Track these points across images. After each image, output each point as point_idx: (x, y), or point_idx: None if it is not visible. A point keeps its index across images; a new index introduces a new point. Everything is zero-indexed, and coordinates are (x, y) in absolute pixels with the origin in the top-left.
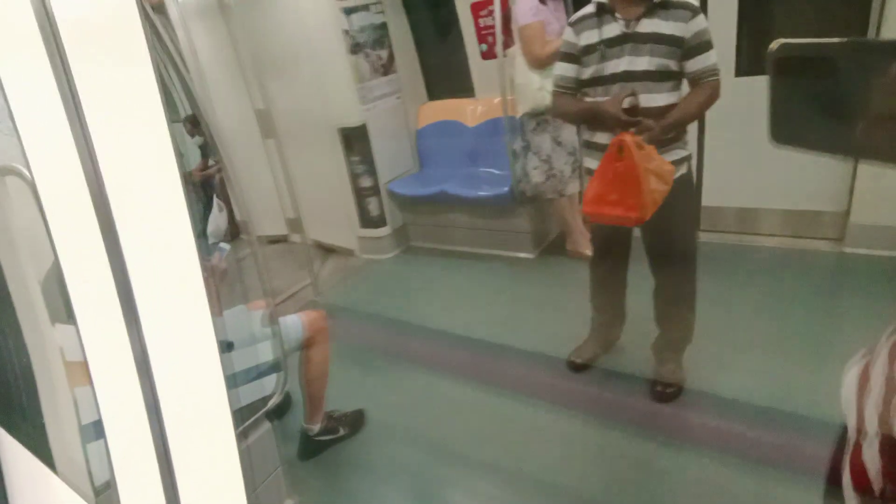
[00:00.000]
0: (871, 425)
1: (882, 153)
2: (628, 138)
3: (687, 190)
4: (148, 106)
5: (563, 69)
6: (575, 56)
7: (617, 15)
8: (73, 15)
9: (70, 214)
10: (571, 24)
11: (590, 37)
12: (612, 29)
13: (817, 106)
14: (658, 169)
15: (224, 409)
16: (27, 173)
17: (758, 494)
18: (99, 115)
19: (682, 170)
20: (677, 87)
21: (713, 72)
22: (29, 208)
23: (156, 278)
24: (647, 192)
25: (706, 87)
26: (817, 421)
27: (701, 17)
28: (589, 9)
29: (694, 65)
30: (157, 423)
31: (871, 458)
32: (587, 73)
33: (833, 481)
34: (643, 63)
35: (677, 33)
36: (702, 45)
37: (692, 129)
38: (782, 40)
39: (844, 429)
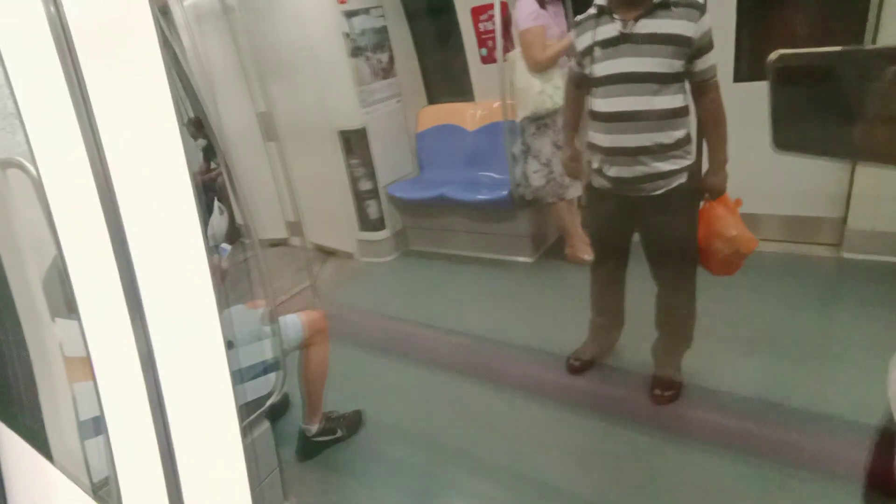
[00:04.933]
0: None
1: (881, 156)
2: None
3: (687, 197)
4: (157, 105)
5: (572, 64)
6: (577, 57)
7: (615, 16)
8: (84, 17)
9: (76, 210)
10: (574, 27)
11: (585, 39)
12: (608, 30)
13: (817, 113)
14: (720, 231)
15: (229, 406)
16: (31, 167)
17: (758, 494)
18: (108, 114)
19: (682, 179)
20: (682, 90)
21: (715, 71)
22: (31, 202)
23: (163, 275)
24: (706, 248)
25: (715, 87)
26: (816, 421)
27: (707, 15)
28: (591, 10)
29: (702, 64)
30: (161, 419)
31: None
32: (587, 73)
33: (877, 483)
34: (646, 64)
35: (686, 33)
36: (709, 44)
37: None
38: (781, 51)
39: (884, 429)
